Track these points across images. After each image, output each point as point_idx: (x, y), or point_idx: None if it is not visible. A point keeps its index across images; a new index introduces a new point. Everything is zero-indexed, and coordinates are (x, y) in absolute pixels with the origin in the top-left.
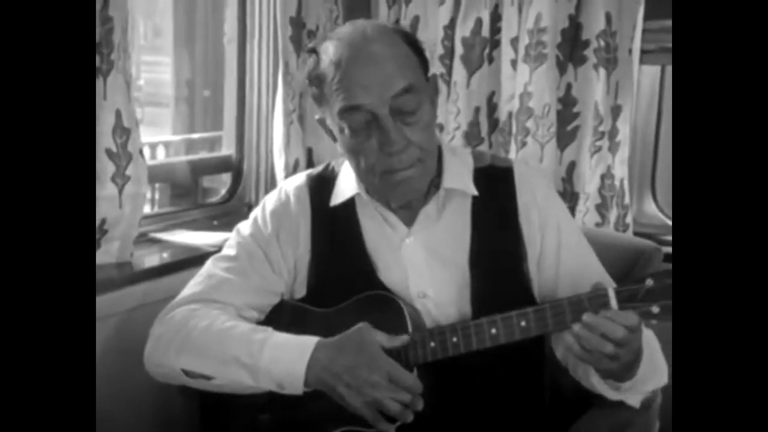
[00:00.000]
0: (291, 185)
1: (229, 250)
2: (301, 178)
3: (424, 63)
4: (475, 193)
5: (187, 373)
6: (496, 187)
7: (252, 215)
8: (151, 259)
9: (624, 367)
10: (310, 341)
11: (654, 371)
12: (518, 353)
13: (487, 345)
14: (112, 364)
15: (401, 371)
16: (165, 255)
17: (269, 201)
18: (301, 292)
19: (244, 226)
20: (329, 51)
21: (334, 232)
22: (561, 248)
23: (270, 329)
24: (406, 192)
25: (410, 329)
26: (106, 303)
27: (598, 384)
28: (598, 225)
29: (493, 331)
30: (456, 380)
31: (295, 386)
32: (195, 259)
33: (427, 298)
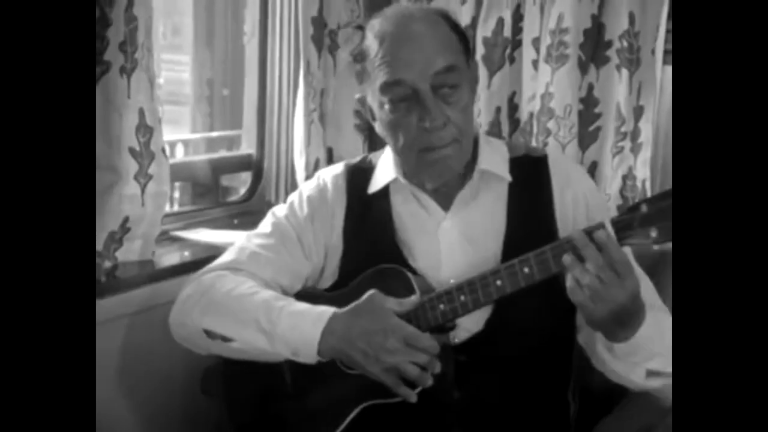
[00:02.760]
0: (329, 173)
1: (263, 228)
2: (339, 167)
3: (466, 49)
4: (510, 179)
5: (208, 333)
6: (531, 175)
7: (289, 199)
8: (173, 257)
9: (614, 319)
10: (326, 311)
11: (659, 346)
12: (547, 346)
13: (494, 297)
14: (135, 361)
15: (417, 333)
16: (186, 253)
17: (306, 187)
18: (331, 280)
19: (280, 209)
20: (374, 28)
21: (366, 221)
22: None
23: (291, 298)
24: (443, 171)
25: (418, 294)
26: (128, 301)
27: (601, 352)
28: None
29: (498, 282)
30: (483, 373)
31: (309, 354)
32: (216, 257)
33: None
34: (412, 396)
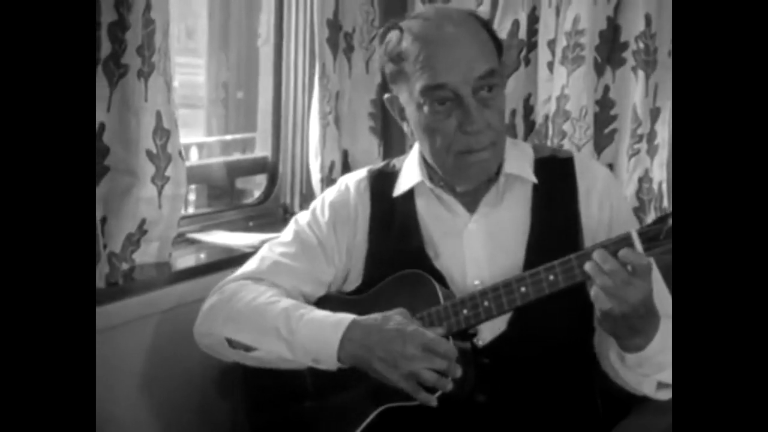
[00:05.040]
0: (352, 179)
1: (285, 237)
2: (362, 172)
3: (499, 52)
4: (535, 181)
5: (230, 342)
6: (556, 176)
7: (311, 206)
8: (189, 259)
9: (627, 322)
10: (345, 318)
11: (669, 358)
12: (571, 345)
13: (518, 304)
14: (152, 363)
15: (435, 339)
16: (202, 255)
17: (329, 193)
18: (356, 283)
19: (303, 216)
20: (413, 29)
21: (392, 224)
22: (612, 229)
23: (311, 306)
24: (479, 173)
25: (442, 300)
26: (146, 303)
27: (613, 361)
28: None
29: (523, 289)
30: (508, 374)
31: (329, 361)
32: (232, 259)
33: (483, 286)
34: (433, 401)
